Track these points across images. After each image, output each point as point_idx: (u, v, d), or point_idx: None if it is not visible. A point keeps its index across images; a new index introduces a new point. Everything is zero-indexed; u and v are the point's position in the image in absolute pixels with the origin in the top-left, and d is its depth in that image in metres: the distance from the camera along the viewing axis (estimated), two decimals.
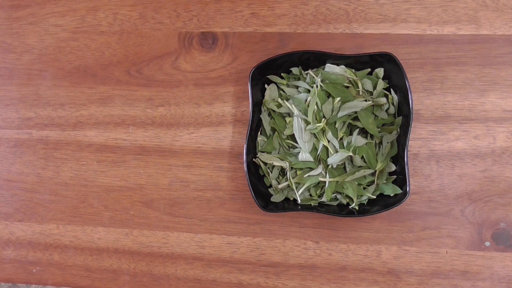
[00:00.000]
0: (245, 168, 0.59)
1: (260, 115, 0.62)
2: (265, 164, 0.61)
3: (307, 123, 0.59)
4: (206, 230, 0.66)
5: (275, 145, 0.61)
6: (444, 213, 0.62)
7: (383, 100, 0.59)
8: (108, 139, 0.67)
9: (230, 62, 0.65)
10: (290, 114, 0.60)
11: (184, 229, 0.66)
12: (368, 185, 0.60)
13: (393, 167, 0.59)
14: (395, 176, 0.59)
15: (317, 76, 0.59)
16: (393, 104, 0.60)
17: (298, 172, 0.59)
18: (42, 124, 0.69)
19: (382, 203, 0.59)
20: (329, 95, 0.59)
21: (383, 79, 0.60)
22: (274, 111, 0.61)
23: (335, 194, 0.60)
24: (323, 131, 0.58)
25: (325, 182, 0.59)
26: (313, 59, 0.60)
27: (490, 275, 0.61)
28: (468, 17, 0.61)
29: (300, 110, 0.59)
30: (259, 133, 0.62)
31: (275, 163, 0.60)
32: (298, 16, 0.64)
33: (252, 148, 0.61)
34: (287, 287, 0.64)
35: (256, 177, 0.61)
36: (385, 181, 0.59)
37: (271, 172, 0.61)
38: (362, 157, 0.59)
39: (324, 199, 0.59)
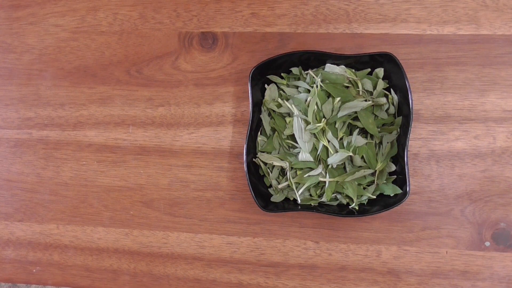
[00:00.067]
0: (245, 168, 0.59)
1: (260, 115, 0.62)
2: (265, 164, 0.61)
3: (307, 123, 0.59)
4: (206, 230, 0.66)
5: (275, 145, 0.61)
6: (444, 213, 0.62)
7: (383, 100, 0.59)
8: (108, 139, 0.67)
9: (230, 62, 0.65)
10: (290, 114, 0.60)
11: (184, 229, 0.66)
12: (368, 185, 0.60)
13: (393, 167, 0.59)
14: (395, 176, 0.59)
15: (317, 76, 0.59)
16: (393, 104, 0.60)
17: (298, 172, 0.59)
18: (42, 124, 0.69)
19: (382, 203, 0.59)
20: (329, 95, 0.59)
21: (383, 79, 0.60)
22: (274, 111, 0.61)
23: (335, 194, 0.60)
24: (323, 131, 0.58)
25: (325, 182, 0.59)
26: (313, 59, 0.60)
27: (490, 275, 0.61)
28: (468, 17, 0.61)
29: (300, 110, 0.59)
30: (259, 133, 0.62)
31: (275, 163, 0.60)
32: (298, 16, 0.64)
33: (252, 148, 0.61)
34: (287, 287, 0.64)
35: (256, 177, 0.61)
36: (385, 181, 0.59)
37: (271, 172, 0.61)
38: (362, 157, 0.59)
39: (324, 199, 0.59)
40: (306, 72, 0.61)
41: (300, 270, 0.64)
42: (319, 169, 0.59)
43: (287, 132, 0.59)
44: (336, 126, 0.59)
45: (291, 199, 0.61)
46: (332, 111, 0.58)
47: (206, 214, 0.66)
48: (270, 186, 0.62)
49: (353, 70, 0.60)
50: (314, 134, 0.59)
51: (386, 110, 0.60)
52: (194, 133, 0.66)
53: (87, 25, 0.68)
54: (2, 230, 0.70)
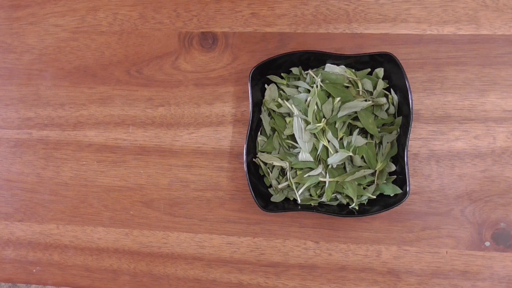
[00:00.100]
0: (245, 168, 0.59)
1: (260, 115, 0.62)
2: (265, 164, 0.61)
3: (307, 123, 0.59)
4: (206, 230, 0.66)
5: (275, 145, 0.61)
6: (444, 213, 0.62)
7: (383, 100, 0.59)
8: (108, 139, 0.67)
9: (230, 62, 0.65)
10: (290, 114, 0.60)
11: (184, 229, 0.66)
12: (368, 185, 0.60)
13: (393, 167, 0.59)
14: (395, 176, 0.59)
15: (317, 76, 0.59)
16: (393, 104, 0.60)
17: (298, 172, 0.59)
18: (42, 124, 0.69)
19: (382, 203, 0.59)
20: (329, 95, 0.59)
21: (383, 79, 0.60)
22: (274, 111, 0.61)
23: (335, 194, 0.60)
24: (323, 131, 0.58)
25: (325, 182, 0.59)
26: (313, 59, 0.60)
27: (490, 275, 0.61)
28: (468, 17, 0.61)
29: (300, 110, 0.59)
30: (259, 133, 0.62)
31: (275, 163, 0.60)
32: (298, 16, 0.64)
33: (252, 148, 0.61)
34: (287, 287, 0.64)
35: (256, 177, 0.61)
36: (385, 181, 0.59)
37: (271, 172, 0.61)
38: (362, 157, 0.59)
39: (324, 199, 0.59)
40: (306, 72, 0.61)
41: (300, 270, 0.64)
42: (319, 169, 0.59)
43: (287, 132, 0.59)
44: (336, 126, 0.59)
45: (291, 199, 0.61)
46: (332, 111, 0.58)
47: (206, 214, 0.66)
48: (270, 186, 0.62)
49: (353, 70, 0.60)
50: (314, 134, 0.59)
51: (386, 110, 0.60)
52: (194, 133, 0.66)
53: (87, 25, 0.68)
54: (2, 230, 0.70)
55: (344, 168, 0.60)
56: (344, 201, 0.60)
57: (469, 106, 0.61)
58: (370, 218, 0.63)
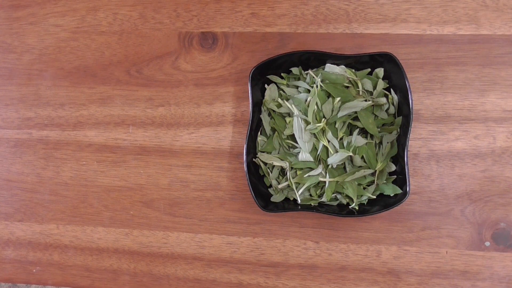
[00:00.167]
0: (245, 168, 0.59)
1: (260, 115, 0.62)
2: (265, 164, 0.61)
3: (307, 123, 0.59)
4: (206, 230, 0.66)
5: (275, 145, 0.61)
6: (444, 213, 0.62)
7: (383, 100, 0.59)
8: (108, 139, 0.67)
9: (230, 62, 0.65)
10: (290, 114, 0.60)
11: (184, 229, 0.66)
12: (368, 185, 0.60)
13: (393, 167, 0.59)
14: (395, 176, 0.59)
15: (317, 76, 0.59)
16: (393, 104, 0.60)
17: (298, 172, 0.59)
18: (42, 124, 0.69)
19: (382, 203, 0.59)
20: (329, 95, 0.59)
21: (383, 79, 0.60)
22: (274, 111, 0.61)
23: (335, 194, 0.60)
24: (323, 131, 0.58)
25: (325, 182, 0.59)
26: (313, 59, 0.60)
27: (490, 275, 0.61)
28: (468, 17, 0.61)
29: (300, 110, 0.59)
30: (259, 133, 0.62)
31: (275, 163, 0.60)
32: (298, 16, 0.64)
33: (252, 148, 0.61)
34: (287, 287, 0.64)
35: (256, 177, 0.61)
36: (385, 181, 0.59)
37: (271, 172, 0.61)
38: (362, 157, 0.59)
39: (324, 199, 0.59)
40: (306, 72, 0.61)
41: (300, 270, 0.64)
42: (319, 169, 0.59)
43: (287, 132, 0.59)
44: (336, 126, 0.59)
45: (291, 199, 0.61)
46: (332, 111, 0.58)
47: (206, 214, 0.66)
48: (270, 186, 0.62)
49: (353, 70, 0.60)
50: (314, 134, 0.59)
51: (386, 110, 0.60)
52: (194, 133, 0.66)
53: (87, 25, 0.68)
54: (2, 230, 0.70)
55: (344, 168, 0.60)
56: (344, 201, 0.60)
57: (469, 106, 0.61)
58: (370, 218, 0.63)
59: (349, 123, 0.59)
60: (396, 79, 0.59)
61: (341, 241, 0.63)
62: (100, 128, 0.67)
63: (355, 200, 0.58)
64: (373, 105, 0.59)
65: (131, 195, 0.67)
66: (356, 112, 0.58)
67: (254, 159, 0.61)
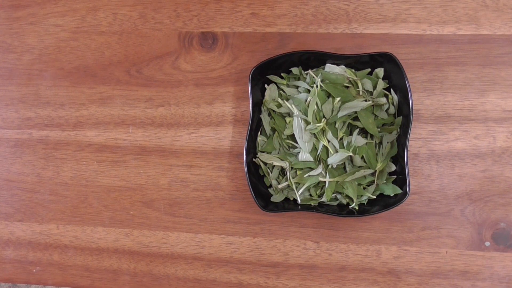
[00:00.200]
0: (245, 168, 0.59)
1: (260, 115, 0.62)
2: (265, 164, 0.61)
3: (307, 123, 0.59)
4: (206, 230, 0.66)
5: (275, 145, 0.61)
6: (444, 213, 0.62)
7: (383, 100, 0.59)
8: (108, 139, 0.67)
9: (230, 62, 0.65)
10: (290, 114, 0.60)
11: (184, 229, 0.66)
12: (368, 185, 0.60)
13: (393, 167, 0.59)
14: (395, 176, 0.59)
15: (317, 76, 0.59)
16: (393, 104, 0.60)
17: (298, 172, 0.59)
18: (42, 124, 0.69)
19: (382, 203, 0.59)
20: (329, 95, 0.59)
21: (383, 79, 0.60)
22: (274, 111, 0.61)
23: (335, 194, 0.60)
24: (323, 131, 0.58)
25: (325, 182, 0.59)
26: (313, 59, 0.60)
27: (490, 275, 0.61)
28: (468, 17, 0.61)
29: (300, 110, 0.59)
30: (259, 133, 0.62)
31: (275, 163, 0.60)
32: (298, 16, 0.64)
33: (252, 148, 0.61)
34: (287, 287, 0.64)
35: (256, 177, 0.61)
36: (385, 181, 0.59)
37: (271, 172, 0.61)
38: (362, 157, 0.59)
39: (324, 199, 0.59)
40: (306, 72, 0.61)
41: (300, 270, 0.64)
42: (319, 169, 0.59)
43: (287, 132, 0.59)
44: (336, 126, 0.59)
45: (291, 199, 0.61)
46: (332, 111, 0.58)
47: (206, 214, 0.66)
48: (270, 186, 0.62)
49: (353, 70, 0.60)
50: (314, 134, 0.59)
51: (386, 110, 0.60)
52: (194, 133, 0.66)
53: (87, 25, 0.68)
54: (2, 230, 0.70)
55: (344, 168, 0.60)
56: (344, 201, 0.60)
57: (469, 106, 0.61)
58: (370, 218, 0.63)
59: (349, 123, 0.59)
60: (396, 79, 0.59)
61: (341, 241, 0.63)
62: (100, 128, 0.67)
63: (355, 200, 0.58)
64: (373, 105, 0.59)
65: (131, 195, 0.67)
66: (356, 112, 0.58)
67: (254, 159, 0.61)
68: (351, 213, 0.58)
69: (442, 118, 0.62)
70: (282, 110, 0.60)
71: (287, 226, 0.64)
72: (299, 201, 0.60)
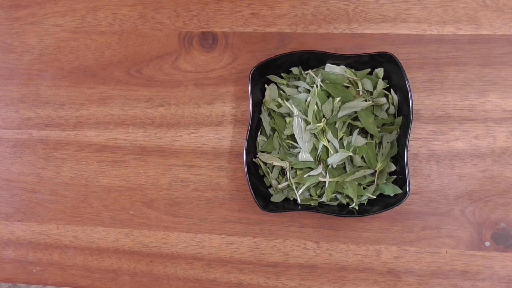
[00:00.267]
0: (245, 168, 0.59)
1: (260, 115, 0.62)
2: (265, 164, 0.61)
3: (307, 123, 0.59)
4: (206, 230, 0.66)
5: (275, 145, 0.61)
6: (444, 213, 0.62)
7: (383, 100, 0.59)
8: (108, 139, 0.67)
9: (230, 62, 0.65)
10: (290, 114, 0.60)
11: (184, 229, 0.66)
12: (368, 185, 0.60)
13: (393, 167, 0.59)
14: (395, 176, 0.59)
15: (317, 76, 0.59)
16: (393, 104, 0.60)
17: (298, 172, 0.59)
18: (42, 124, 0.69)
19: (382, 203, 0.59)
20: (329, 95, 0.59)
21: (383, 79, 0.60)
22: (274, 111, 0.61)
23: (335, 194, 0.60)
24: (323, 131, 0.58)
25: (325, 182, 0.59)
26: (313, 59, 0.60)
27: (490, 275, 0.61)
28: (468, 17, 0.61)
29: (300, 110, 0.59)
30: (259, 133, 0.62)
31: (275, 163, 0.60)
32: (298, 16, 0.64)
33: (252, 148, 0.61)
34: (287, 287, 0.64)
35: (256, 177, 0.61)
36: (385, 181, 0.59)
37: (271, 172, 0.61)
38: (362, 157, 0.59)
39: (324, 199, 0.59)
40: (306, 72, 0.61)
41: (300, 270, 0.64)
42: (319, 169, 0.59)
43: (287, 132, 0.59)
44: (336, 126, 0.59)
45: (291, 199, 0.61)
46: (332, 111, 0.58)
47: (206, 214, 0.66)
48: (270, 186, 0.62)
49: (353, 70, 0.60)
50: (314, 134, 0.59)
51: (386, 110, 0.60)
52: (194, 133, 0.66)
53: (87, 25, 0.68)
54: (2, 230, 0.70)
55: (344, 168, 0.60)
56: (344, 201, 0.60)
57: (469, 106, 0.61)
58: (370, 218, 0.63)
59: (349, 123, 0.59)
60: (396, 79, 0.59)
61: (341, 241, 0.63)
62: (100, 128, 0.67)
63: (355, 200, 0.58)
64: (373, 105, 0.59)
65: (131, 195, 0.67)
66: (356, 112, 0.58)
67: (254, 159, 0.61)
68: (351, 213, 0.58)
69: (442, 118, 0.62)
70: (282, 110, 0.60)
71: (287, 226, 0.64)
72: (299, 201, 0.60)
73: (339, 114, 0.58)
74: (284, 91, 0.61)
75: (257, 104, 0.61)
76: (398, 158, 0.59)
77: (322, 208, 0.59)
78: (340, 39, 0.63)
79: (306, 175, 0.59)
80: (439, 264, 0.62)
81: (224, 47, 0.65)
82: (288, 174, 0.60)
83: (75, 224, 0.68)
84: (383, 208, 0.58)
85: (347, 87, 0.59)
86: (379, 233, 0.63)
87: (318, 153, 0.59)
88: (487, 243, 0.61)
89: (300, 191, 0.59)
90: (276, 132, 0.61)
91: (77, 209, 0.68)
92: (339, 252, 0.63)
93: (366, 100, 0.58)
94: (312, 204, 0.60)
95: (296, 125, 0.59)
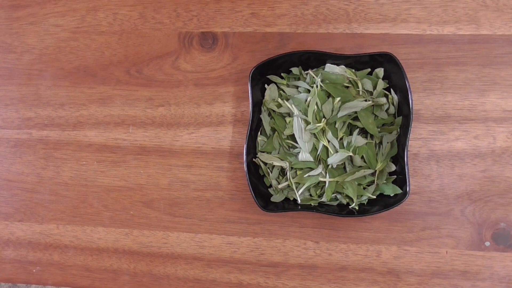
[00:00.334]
0: (245, 168, 0.59)
1: (260, 115, 0.62)
2: (265, 164, 0.61)
3: (307, 123, 0.59)
4: (206, 230, 0.66)
5: (275, 145, 0.61)
6: (444, 213, 0.62)
7: (383, 100, 0.59)
8: (108, 139, 0.67)
9: (230, 62, 0.65)
10: (290, 114, 0.60)
11: (184, 229, 0.66)
12: (368, 185, 0.60)
13: (393, 167, 0.59)
14: (395, 176, 0.59)
15: (317, 76, 0.59)
16: (393, 104, 0.60)
17: (298, 172, 0.59)
18: (42, 124, 0.69)
19: (382, 203, 0.59)
20: (329, 95, 0.59)
21: (383, 79, 0.60)
22: (274, 111, 0.61)
23: (335, 194, 0.60)
24: (323, 131, 0.58)
25: (325, 182, 0.59)
26: (313, 59, 0.60)
27: (490, 275, 0.61)
28: (468, 17, 0.61)
29: (300, 110, 0.59)
30: (259, 133, 0.62)
31: (275, 163, 0.60)
32: (298, 16, 0.64)
33: (252, 148, 0.61)
34: (287, 287, 0.64)
35: (256, 177, 0.61)
36: (385, 181, 0.59)
37: (271, 172, 0.61)
38: (362, 157, 0.59)
39: (324, 199, 0.59)
40: (306, 72, 0.61)
41: (300, 270, 0.64)
42: (319, 169, 0.59)
43: (287, 132, 0.59)
44: (336, 126, 0.59)
45: (291, 199, 0.61)
46: (332, 111, 0.58)
47: (206, 214, 0.66)
48: (270, 186, 0.62)
49: (353, 70, 0.60)
50: (314, 134, 0.59)
51: (386, 110, 0.60)
52: (194, 133, 0.66)
53: (87, 25, 0.68)
54: (2, 230, 0.70)
55: (344, 168, 0.60)
56: (344, 201, 0.60)
57: (469, 106, 0.61)
58: (370, 218, 0.63)
59: (349, 123, 0.59)
60: (396, 79, 0.59)
61: (341, 241, 0.63)
62: (100, 128, 0.67)
63: (355, 200, 0.58)
64: (373, 105, 0.59)
65: (131, 195, 0.67)
66: (356, 112, 0.58)
67: (254, 159, 0.61)
68: (351, 213, 0.58)
69: (442, 118, 0.62)
70: (282, 110, 0.60)
71: (287, 226, 0.64)
72: (299, 201, 0.60)
73: (339, 114, 0.58)
74: (284, 91, 0.61)
75: (257, 104, 0.61)
76: (398, 158, 0.59)
77: (322, 208, 0.59)
78: (340, 39, 0.63)
79: (306, 175, 0.59)
80: (439, 264, 0.62)
81: (224, 47, 0.65)
82: (288, 174, 0.60)
83: (75, 224, 0.68)
84: (383, 208, 0.58)
85: (347, 87, 0.59)
86: (379, 233, 0.63)
87: (318, 153, 0.59)
88: (487, 243, 0.61)
89: (300, 191, 0.59)
90: (276, 132, 0.61)
91: (77, 209, 0.68)
92: (339, 252, 0.63)
93: (366, 100, 0.58)
94: (312, 204, 0.60)
95: (296, 125, 0.59)
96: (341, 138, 0.59)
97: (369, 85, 0.60)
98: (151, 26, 0.66)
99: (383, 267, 0.63)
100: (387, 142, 0.59)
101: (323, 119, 0.58)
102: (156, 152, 0.66)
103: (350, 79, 0.60)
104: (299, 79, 0.61)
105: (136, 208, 0.67)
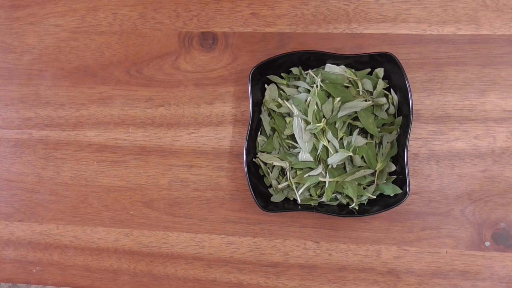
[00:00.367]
0: (245, 168, 0.59)
1: (260, 115, 0.62)
2: (265, 164, 0.61)
3: (307, 123, 0.59)
4: (206, 230, 0.66)
5: (275, 145, 0.61)
6: (444, 213, 0.62)
7: (383, 100, 0.59)
8: (108, 139, 0.67)
9: (230, 62, 0.65)
10: (290, 114, 0.60)
11: (184, 229, 0.66)
12: (368, 185, 0.60)
13: (393, 167, 0.59)
14: (395, 176, 0.59)
15: (317, 76, 0.59)
16: (393, 104, 0.60)
17: (298, 172, 0.59)
18: (42, 124, 0.69)
19: (382, 203, 0.59)
20: (329, 95, 0.59)
21: (383, 79, 0.60)
22: (274, 111, 0.61)
23: (335, 194, 0.60)
24: (323, 131, 0.58)
25: (325, 182, 0.59)
26: (313, 59, 0.60)
27: (490, 275, 0.61)
28: (468, 17, 0.61)
29: (300, 110, 0.59)
30: (259, 133, 0.62)
31: (275, 163, 0.60)
32: (298, 16, 0.64)
33: (252, 148, 0.61)
34: (287, 287, 0.64)
35: (256, 177, 0.61)
36: (385, 181, 0.59)
37: (271, 172, 0.61)
38: (362, 157, 0.59)
39: (324, 199, 0.59)
40: (306, 72, 0.61)
41: (300, 270, 0.64)
42: (319, 169, 0.59)
43: (287, 132, 0.59)
44: (336, 126, 0.59)
45: (291, 199, 0.61)
46: (332, 111, 0.58)
47: (206, 214, 0.66)
48: (270, 186, 0.62)
49: (353, 70, 0.60)
50: (314, 134, 0.59)
51: (386, 110, 0.60)
52: (194, 133, 0.66)
53: (87, 25, 0.68)
54: (2, 230, 0.70)
55: (344, 168, 0.60)
56: (344, 201, 0.60)
57: (469, 106, 0.61)
58: (370, 218, 0.63)
59: (349, 123, 0.59)
60: (396, 79, 0.59)
61: (341, 241, 0.63)
62: (100, 128, 0.67)
63: (355, 200, 0.58)
64: (373, 105, 0.59)
65: (131, 195, 0.67)
66: (356, 112, 0.58)
67: (254, 159, 0.61)
68: (351, 213, 0.58)
69: (442, 118, 0.62)
70: (282, 110, 0.60)
71: (287, 226, 0.64)
72: (299, 201, 0.60)
73: (339, 114, 0.58)
74: (284, 91, 0.61)
75: (257, 104, 0.61)
76: (398, 158, 0.59)
77: (322, 208, 0.59)
78: (340, 39, 0.63)
79: (306, 175, 0.59)
80: (439, 264, 0.62)
81: (224, 47, 0.65)
82: (288, 174, 0.60)
83: (75, 224, 0.68)
84: (383, 208, 0.58)
85: (347, 87, 0.59)
86: (379, 233, 0.63)
87: (318, 153, 0.59)
88: (487, 243, 0.61)
89: (300, 191, 0.59)
90: (276, 132, 0.61)
91: (77, 209, 0.68)
92: (339, 252, 0.63)
93: (366, 100, 0.58)
94: (312, 204, 0.60)
95: (296, 125, 0.59)
96: (341, 138, 0.59)
97: (369, 85, 0.60)
98: (151, 26, 0.66)
99: (383, 267, 0.63)
100: (387, 142, 0.59)
101: (323, 119, 0.58)
102: (156, 152, 0.66)
103: (350, 79, 0.60)
104: (299, 79, 0.61)
105: (136, 208, 0.67)
